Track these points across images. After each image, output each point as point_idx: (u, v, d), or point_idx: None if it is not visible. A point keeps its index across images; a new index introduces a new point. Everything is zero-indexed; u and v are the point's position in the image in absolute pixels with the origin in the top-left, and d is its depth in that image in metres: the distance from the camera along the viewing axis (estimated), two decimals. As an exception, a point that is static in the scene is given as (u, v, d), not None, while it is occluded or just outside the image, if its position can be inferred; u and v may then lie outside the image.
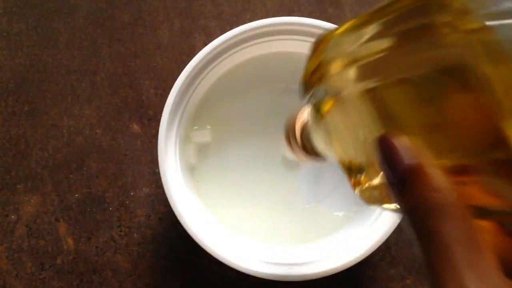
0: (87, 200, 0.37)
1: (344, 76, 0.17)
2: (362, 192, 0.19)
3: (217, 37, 0.31)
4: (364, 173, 0.18)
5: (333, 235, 0.34)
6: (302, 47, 0.33)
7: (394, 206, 0.18)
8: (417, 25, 0.14)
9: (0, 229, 0.37)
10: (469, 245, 0.13)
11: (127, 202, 0.37)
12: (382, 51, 0.15)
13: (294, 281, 0.30)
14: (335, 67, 0.17)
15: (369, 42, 0.16)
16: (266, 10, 0.39)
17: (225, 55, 0.33)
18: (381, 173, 0.17)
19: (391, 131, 0.15)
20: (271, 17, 0.32)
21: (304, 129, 0.25)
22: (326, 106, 0.19)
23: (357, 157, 0.18)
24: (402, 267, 0.36)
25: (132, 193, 0.37)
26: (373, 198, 0.19)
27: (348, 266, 0.30)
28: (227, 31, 0.31)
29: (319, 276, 0.30)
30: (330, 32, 0.18)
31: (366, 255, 0.30)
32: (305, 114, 0.25)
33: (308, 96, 0.20)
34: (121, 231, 0.37)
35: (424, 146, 0.15)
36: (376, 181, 0.18)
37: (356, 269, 0.31)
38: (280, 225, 0.35)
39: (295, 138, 0.25)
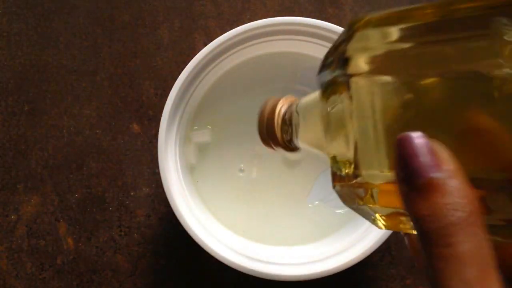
0: (87, 200, 0.37)
1: (364, 65, 0.17)
2: (341, 188, 0.19)
3: (217, 37, 0.31)
4: (349, 169, 0.18)
5: (334, 235, 0.34)
6: (302, 47, 0.33)
7: (367, 207, 0.18)
8: (471, 35, 0.14)
9: (0, 229, 0.37)
10: (481, 261, 0.13)
11: (127, 202, 0.37)
12: (412, 48, 0.15)
13: (294, 281, 0.30)
14: (357, 56, 0.17)
15: (403, 40, 0.16)
16: (266, 10, 0.39)
17: (225, 55, 0.33)
18: (369, 171, 0.17)
19: (408, 129, 0.15)
20: (271, 17, 0.32)
21: (287, 112, 0.24)
22: (338, 88, 0.18)
23: (347, 150, 0.18)
24: (402, 267, 0.36)
25: (132, 193, 0.37)
26: (350, 197, 0.18)
27: (348, 266, 0.30)
28: (227, 31, 0.31)
29: (319, 276, 0.30)
30: (363, 23, 0.18)
31: (366, 255, 0.30)
32: (289, 99, 0.24)
33: (325, 72, 0.19)
34: (121, 231, 0.37)
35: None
36: (360, 179, 0.17)
37: (356, 269, 0.31)
38: (280, 225, 0.35)
39: (274, 120, 0.24)
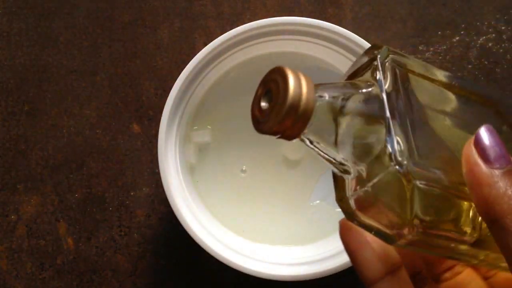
0: (87, 200, 0.37)
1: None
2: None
3: (217, 37, 0.31)
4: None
5: (334, 235, 0.34)
6: (302, 47, 0.33)
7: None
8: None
9: (0, 229, 0.37)
10: None
11: (127, 202, 0.37)
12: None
13: (294, 281, 0.30)
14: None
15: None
16: (266, 10, 0.39)
17: (225, 55, 0.33)
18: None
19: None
20: (271, 17, 0.32)
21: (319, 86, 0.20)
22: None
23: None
24: (402, 267, 0.36)
25: (132, 193, 0.37)
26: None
27: (348, 266, 0.30)
28: (227, 31, 0.31)
29: (319, 276, 0.30)
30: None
31: (366, 255, 0.30)
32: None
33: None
34: (121, 231, 0.37)
35: None
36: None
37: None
38: (280, 225, 0.35)
39: (312, 102, 0.18)
